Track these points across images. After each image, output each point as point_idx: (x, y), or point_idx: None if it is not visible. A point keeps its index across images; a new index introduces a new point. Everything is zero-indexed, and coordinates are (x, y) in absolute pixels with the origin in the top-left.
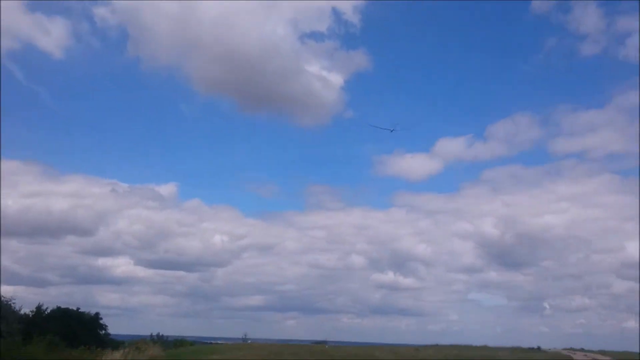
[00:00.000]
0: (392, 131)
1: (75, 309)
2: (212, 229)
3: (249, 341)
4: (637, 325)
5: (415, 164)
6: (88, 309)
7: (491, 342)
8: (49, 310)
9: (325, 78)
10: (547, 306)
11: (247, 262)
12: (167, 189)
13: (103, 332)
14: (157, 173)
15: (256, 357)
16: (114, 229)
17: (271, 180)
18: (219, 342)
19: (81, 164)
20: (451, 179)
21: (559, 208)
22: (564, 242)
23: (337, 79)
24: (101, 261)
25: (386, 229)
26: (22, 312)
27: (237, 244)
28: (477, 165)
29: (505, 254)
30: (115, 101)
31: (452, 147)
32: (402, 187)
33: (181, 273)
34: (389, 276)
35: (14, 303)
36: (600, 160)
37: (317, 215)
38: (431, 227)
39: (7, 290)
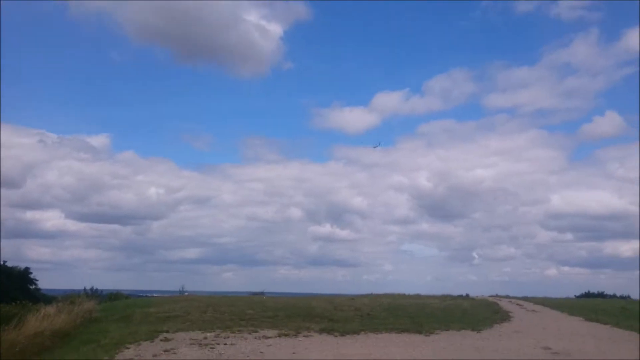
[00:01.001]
0: (375, 147)
1: (2, 263)
2: (147, 182)
3: (186, 294)
4: (557, 272)
5: (353, 118)
6: (17, 263)
7: (423, 291)
8: None
9: (264, 28)
10: (476, 256)
11: (184, 214)
12: (99, 140)
13: (33, 287)
14: (87, 124)
15: (194, 308)
16: (43, 181)
17: (207, 132)
18: (155, 295)
19: (5, 112)
20: (388, 133)
21: (490, 162)
22: (493, 195)
23: (276, 29)
24: (30, 214)
25: (324, 181)
26: None
27: (173, 197)
28: (413, 119)
29: (438, 207)
30: (42, 47)
31: (389, 101)
32: (340, 140)
33: (115, 226)
34: (326, 228)
35: None
36: (530, 115)
37: (254, 167)
38: (367, 180)
39: None
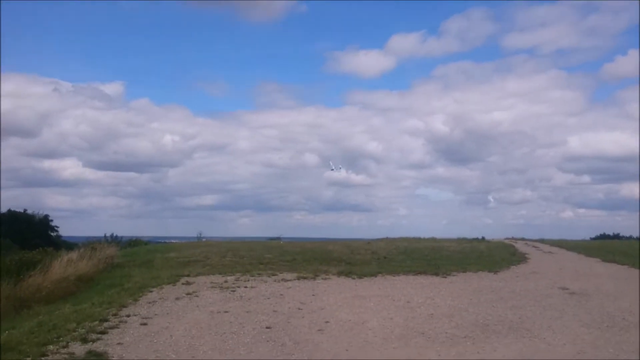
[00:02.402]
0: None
1: (24, 211)
2: (162, 129)
3: (204, 239)
4: (573, 215)
5: (368, 61)
6: (37, 211)
7: (438, 235)
8: None
9: None
10: (492, 199)
11: (199, 162)
12: (113, 88)
13: (54, 233)
14: (101, 72)
15: (213, 253)
16: (59, 130)
17: (221, 79)
18: (173, 241)
19: (18, 61)
20: (404, 76)
21: (507, 104)
22: (510, 138)
23: None
24: (47, 163)
25: (339, 127)
26: None
27: (188, 144)
28: (429, 61)
29: (454, 150)
30: None
31: (405, 43)
32: (355, 85)
33: (132, 174)
34: (342, 174)
35: None
36: (549, 55)
37: (269, 114)
38: (383, 124)
39: None
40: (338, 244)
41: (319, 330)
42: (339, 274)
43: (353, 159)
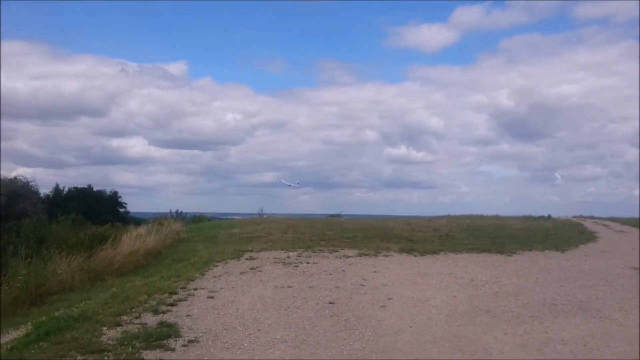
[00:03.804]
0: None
1: (92, 188)
2: (224, 107)
3: (265, 216)
4: None
5: (430, 35)
6: (105, 188)
7: (502, 213)
8: (67, 191)
9: None
10: (559, 176)
11: (260, 139)
12: (177, 68)
13: (123, 209)
14: (165, 51)
15: (275, 230)
16: (126, 110)
17: (281, 56)
18: (235, 217)
19: (87, 42)
20: (467, 50)
21: (576, 77)
22: (579, 112)
23: None
24: (115, 142)
25: (399, 103)
26: (41, 193)
27: (250, 122)
28: (494, 34)
29: (519, 126)
30: None
31: (469, 15)
32: (416, 60)
33: (195, 152)
34: (402, 150)
35: (34, 184)
36: (622, 26)
37: (328, 91)
38: (445, 100)
39: (26, 172)
40: (399, 221)
41: (381, 306)
42: (401, 251)
43: (414, 136)
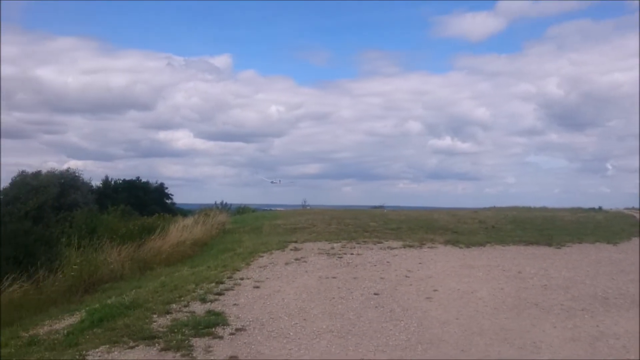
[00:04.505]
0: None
1: (140, 180)
2: (268, 100)
3: (308, 207)
4: None
5: (476, 24)
6: (153, 180)
7: (550, 204)
8: (116, 182)
9: None
10: (610, 167)
11: (303, 131)
12: (222, 61)
13: (169, 201)
14: (210, 44)
15: (318, 221)
16: (172, 103)
17: (324, 48)
18: (278, 209)
19: (135, 38)
20: (514, 38)
21: (629, 65)
22: (631, 100)
23: None
24: (162, 134)
25: (444, 93)
26: (92, 184)
27: (293, 114)
28: (542, 21)
29: (568, 115)
30: None
31: (516, 3)
32: (461, 49)
33: (240, 144)
34: (446, 141)
35: (85, 176)
36: None
37: (372, 81)
38: (491, 89)
39: (77, 165)
40: (443, 213)
41: (427, 298)
42: (446, 242)
43: (459, 126)
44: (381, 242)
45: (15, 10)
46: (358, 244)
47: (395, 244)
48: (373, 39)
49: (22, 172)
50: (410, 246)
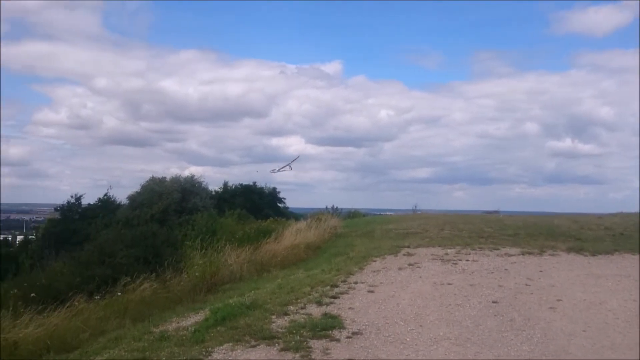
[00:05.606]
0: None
1: (255, 185)
2: (378, 104)
3: (419, 212)
4: None
5: (598, 18)
6: (266, 185)
7: None
8: (233, 187)
9: None
10: None
11: (414, 135)
12: (333, 67)
13: (282, 205)
14: (321, 52)
15: (431, 226)
16: (285, 110)
17: (434, 50)
18: (388, 213)
19: (249, 48)
20: None
21: None
22: None
23: None
24: (275, 141)
25: (563, 92)
26: (210, 189)
27: (403, 118)
28: None
29: None
30: None
31: None
32: (582, 46)
33: (350, 149)
34: (566, 143)
35: (204, 181)
36: None
37: (485, 83)
38: (616, 87)
39: (197, 171)
40: (564, 218)
41: (550, 307)
42: (569, 250)
43: (580, 127)
44: (498, 249)
45: (142, 27)
46: (473, 250)
47: (513, 250)
48: (486, 38)
49: (152, 178)
50: (530, 253)
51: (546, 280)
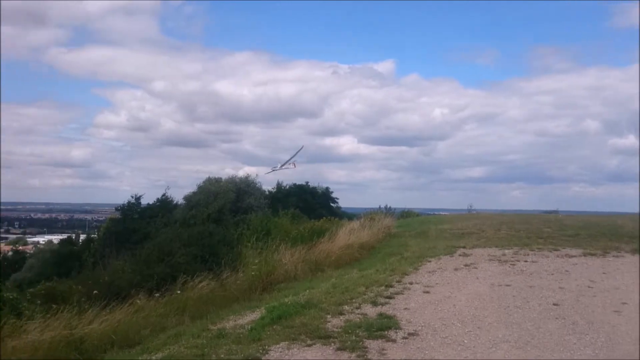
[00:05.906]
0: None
1: (308, 184)
2: (431, 103)
3: (474, 212)
4: None
5: None
6: (319, 184)
7: None
8: (287, 187)
9: None
10: None
11: (468, 133)
12: (385, 66)
13: (335, 205)
14: (373, 51)
15: (487, 226)
16: (338, 110)
17: (490, 47)
18: (442, 213)
19: (303, 48)
20: None
21: None
22: None
23: None
24: (328, 141)
25: (626, 88)
26: (264, 189)
27: (457, 116)
28: None
29: None
30: None
31: None
32: None
33: (403, 148)
34: (629, 140)
35: (258, 181)
36: None
37: (542, 79)
38: None
39: (251, 171)
40: (628, 219)
41: (615, 311)
42: (633, 252)
43: None
44: (558, 250)
45: (197, 30)
46: (532, 250)
47: (574, 251)
48: (543, 34)
49: (208, 178)
50: (592, 254)
51: (610, 283)
